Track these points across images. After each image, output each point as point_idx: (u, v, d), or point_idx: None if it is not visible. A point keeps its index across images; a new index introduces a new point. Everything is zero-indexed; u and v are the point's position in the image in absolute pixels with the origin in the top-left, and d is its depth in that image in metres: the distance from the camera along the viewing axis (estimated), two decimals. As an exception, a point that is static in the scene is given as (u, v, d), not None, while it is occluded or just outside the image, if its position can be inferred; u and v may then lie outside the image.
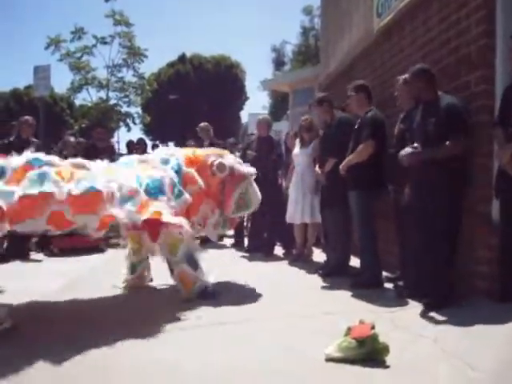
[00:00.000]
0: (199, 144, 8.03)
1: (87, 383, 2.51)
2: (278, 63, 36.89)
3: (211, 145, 7.85)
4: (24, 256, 6.31)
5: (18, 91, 32.42)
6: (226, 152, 4.77)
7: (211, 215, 4.40)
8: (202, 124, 8.13)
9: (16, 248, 6.23)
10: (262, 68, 75.59)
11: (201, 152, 4.63)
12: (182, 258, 3.98)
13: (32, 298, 3.99)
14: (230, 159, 4.55)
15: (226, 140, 8.23)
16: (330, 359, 2.73)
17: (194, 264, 4.04)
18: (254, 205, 4.66)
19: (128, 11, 14.76)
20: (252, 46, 64.75)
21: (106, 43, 14.57)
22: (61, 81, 37.68)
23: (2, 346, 2.93)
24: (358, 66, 6.81)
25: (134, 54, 14.88)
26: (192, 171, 4.24)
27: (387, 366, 2.64)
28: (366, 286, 4.36)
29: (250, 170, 4.59)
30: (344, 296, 4.23)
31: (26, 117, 6.96)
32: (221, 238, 7.93)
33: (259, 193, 4.65)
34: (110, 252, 6.84)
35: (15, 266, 5.95)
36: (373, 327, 2.78)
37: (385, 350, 2.71)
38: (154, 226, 3.85)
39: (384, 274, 4.63)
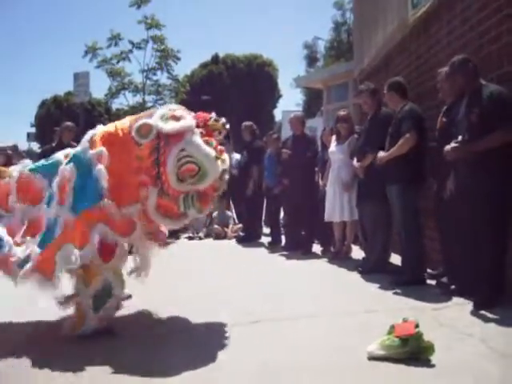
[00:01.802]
0: (237, 144, 8.12)
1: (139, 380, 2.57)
2: (311, 60, 36.67)
3: (251, 144, 7.93)
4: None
5: (59, 98, 33.45)
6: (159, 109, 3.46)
7: (148, 194, 3.22)
8: (246, 123, 8.15)
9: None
10: (295, 65, 75.21)
11: (127, 120, 3.40)
12: (91, 294, 3.13)
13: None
14: (158, 117, 3.23)
15: (267, 134, 8.21)
16: (372, 357, 2.71)
17: (99, 303, 3.15)
18: (209, 168, 3.12)
19: (160, 14, 15.01)
20: (284, 43, 64.67)
21: (140, 48, 14.87)
22: (99, 86, 38.74)
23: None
24: (394, 60, 6.69)
25: (167, 56, 15.12)
26: (100, 151, 3.17)
27: (432, 366, 2.59)
28: (407, 283, 4.28)
29: (188, 122, 3.19)
30: (385, 293, 4.17)
31: (67, 123, 7.20)
32: (258, 236, 7.97)
33: (210, 151, 3.14)
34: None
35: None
36: (417, 325, 2.73)
37: (430, 348, 2.66)
38: None
39: (427, 270, 4.54)
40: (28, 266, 2.99)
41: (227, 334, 3.21)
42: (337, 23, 34.49)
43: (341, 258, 5.86)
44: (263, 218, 8.54)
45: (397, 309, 3.59)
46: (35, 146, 25.66)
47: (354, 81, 9.51)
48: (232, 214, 8.94)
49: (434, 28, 5.28)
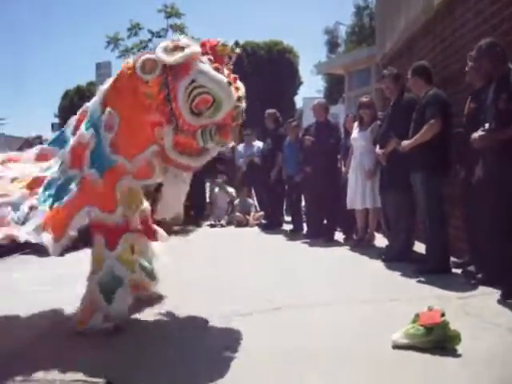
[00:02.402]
0: (259, 131, 8.09)
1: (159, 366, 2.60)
2: (332, 45, 36.18)
3: (275, 132, 7.89)
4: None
5: (82, 88, 33.81)
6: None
7: (164, 133, 3.04)
8: (270, 110, 8.08)
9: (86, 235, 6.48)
10: (316, 51, 74.38)
11: (131, 60, 3.17)
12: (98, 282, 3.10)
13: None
14: (161, 50, 2.96)
15: (287, 121, 8.15)
16: (396, 346, 2.68)
17: (108, 291, 3.07)
18: (223, 96, 2.88)
19: (180, 2, 14.93)
20: (304, 29, 63.57)
21: (160, 37, 14.84)
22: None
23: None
24: (418, 44, 6.53)
25: (187, 44, 15.06)
26: (107, 112, 3.08)
27: (458, 355, 2.55)
28: (432, 272, 4.21)
29: (192, 49, 2.94)
30: (409, 282, 4.12)
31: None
32: (280, 224, 7.96)
33: (222, 77, 2.92)
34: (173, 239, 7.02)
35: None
36: (443, 314, 2.69)
37: (456, 338, 2.62)
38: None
39: (451, 259, 4.46)
40: (35, 223, 2.92)
41: (249, 321, 3.22)
42: (358, 8, 33.86)
43: (363, 246, 5.81)
44: (284, 205, 8.53)
45: (421, 297, 3.54)
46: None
47: (377, 66, 9.35)
48: (253, 201, 8.94)
49: (459, 10, 5.13)
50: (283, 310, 3.43)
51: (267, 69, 32.72)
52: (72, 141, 3.25)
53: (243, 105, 3.10)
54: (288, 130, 7.69)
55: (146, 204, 3.63)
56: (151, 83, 2.94)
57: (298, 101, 35.29)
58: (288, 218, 8.16)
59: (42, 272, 4.93)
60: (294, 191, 7.50)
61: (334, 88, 29.74)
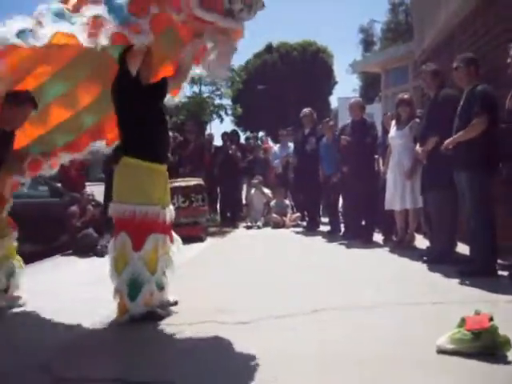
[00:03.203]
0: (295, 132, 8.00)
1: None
2: (367, 44, 35.71)
3: (315, 132, 7.81)
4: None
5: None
6: None
7: None
8: (306, 110, 8.00)
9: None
10: (350, 50, 73.62)
11: None
12: (124, 281, 3.21)
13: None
14: None
15: (323, 121, 8.06)
16: (441, 351, 2.58)
17: (134, 292, 3.20)
18: None
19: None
20: (338, 28, 63.19)
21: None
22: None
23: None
24: (458, 38, 6.34)
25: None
26: None
27: (509, 362, 2.43)
28: (477, 274, 4.06)
29: None
30: (453, 284, 3.98)
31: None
32: (317, 225, 7.88)
33: None
34: (209, 241, 7.08)
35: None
36: (491, 319, 2.57)
37: (506, 343, 2.50)
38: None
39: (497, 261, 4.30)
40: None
41: (288, 322, 3.18)
42: (394, 4, 33.31)
43: (403, 248, 5.68)
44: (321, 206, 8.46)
45: (466, 301, 3.41)
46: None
47: (415, 63, 9.14)
48: (290, 202, 8.90)
49: (501, 2, 4.94)
50: (323, 312, 3.38)
51: (301, 70, 32.62)
52: None
53: None
54: (325, 129, 7.60)
55: (171, 206, 3.62)
56: None
57: (333, 101, 35.02)
58: (325, 220, 8.08)
59: (83, 272, 5.06)
60: (332, 192, 7.41)
61: (370, 87, 29.35)
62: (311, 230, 7.71)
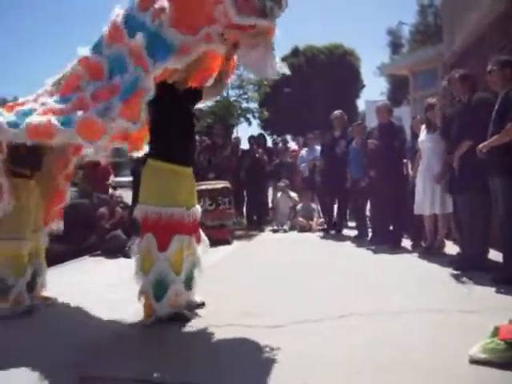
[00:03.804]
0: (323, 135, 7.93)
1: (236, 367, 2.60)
2: (395, 46, 35.30)
3: (343, 134, 7.75)
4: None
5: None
6: None
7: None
8: (337, 112, 7.93)
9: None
10: (378, 53, 72.81)
11: None
12: (150, 282, 3.29)
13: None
14: None
15: (353, 124, 7.97)
16: (474, 361, 2.52)
17: (160, 293, 3.28)
18: None
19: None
20: (366, 30, 62.65)
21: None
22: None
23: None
24: (489, 40, 6.20)
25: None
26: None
27: (545, 374, 2.35)
28: (511, 282, 3.94)
29: None
30: (486, 292, 3.88)
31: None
32: (340, 229, 7.80)
33: None
34: (236, 244, 7.09)
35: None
36: (526, 328, 2.50)
37: (541, 354, 2.42)
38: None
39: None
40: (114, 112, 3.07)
41: (317, 327, 3.16)
42: (423, 6, 32.86)
43: (432, 254, 5.57)
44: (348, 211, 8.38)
45: (499, 309, 3.32)
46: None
47: (444, 65, 8.98)
48: (316, 206, 8.84)
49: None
50: (351, 317, 3.35)
51: (328, 73, 32.44)
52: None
53: None
54: (355, 132, 7.52)
55: (198, 206, 3.66)
56: None
57: (361, 104, 34.72)
58: (352, 224, 7.99)
59: (111, 273, 5.13)
60: (359, 196, 7.33)
61: (398, 90, 28.99)
62: (338, 234, 7.64)
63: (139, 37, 3.10)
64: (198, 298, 3.68)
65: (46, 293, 4.04)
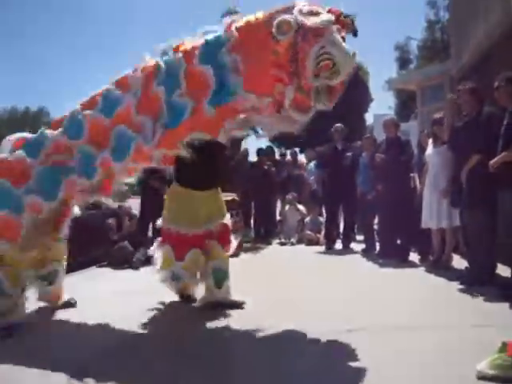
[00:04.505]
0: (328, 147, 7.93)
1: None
2: (403, 61, 35.40)
3: (343, 150, 7.75)
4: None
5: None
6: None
7: (286, 91, 3.15)
8: (338, 125, 7.95)
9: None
10: (386, 68, 73.04)
11: (260, 15, 3.30)
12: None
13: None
14: (298, 12, 3.08)
15: (363, 137, 7.97)
16: (482, 377, 2.50)
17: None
18: (345, 67, 3.01)
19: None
20: (374, 45, 62.71)
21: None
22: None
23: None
24: (497, 55, 6.23)
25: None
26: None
27: (553, 390, 2.33)
28: (519, 297, 3.91)
29: (328, 16, 3.06)
30: (494, 307, 3.85)
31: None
32: (348, 244, 7.75)
33: (348, 49, 3.01)
34: (243, 256, 7.08)
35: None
36: (534, 344, 2.48)
37: (550, 370, 2.40)
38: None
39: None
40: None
41: (324, 341, 3.15)
42: (430, 22, 32.97)
43: (440, 268, 5.53)
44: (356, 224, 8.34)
45: (507, 325, 3.30)
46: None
47: (451, 80, 9.01)
48: (324, 219, 8.81)
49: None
50: (359, 332, 3.33)
51: (336, 86, 32.54)
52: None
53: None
54: (365, 145, 7.53)
55: (228, 215, 4.22)
56: (282, 42, 3.03)
57: (369, 118, 34.74)
58: (360, 237, 7.97)
59: (117, 284, 5.15)
60: (367, 209, 7.32)
61: (406, 104, 29.00)
62: (346, 247, 7.62)
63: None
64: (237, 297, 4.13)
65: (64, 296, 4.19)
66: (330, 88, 3.09)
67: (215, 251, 4.02)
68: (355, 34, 3.20)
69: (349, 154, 7.65)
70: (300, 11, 3.04)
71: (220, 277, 4.05)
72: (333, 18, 3.02)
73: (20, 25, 62.43)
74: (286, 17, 3.03)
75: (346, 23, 3.11)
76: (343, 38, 3.01)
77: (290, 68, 3.06)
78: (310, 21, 2.98)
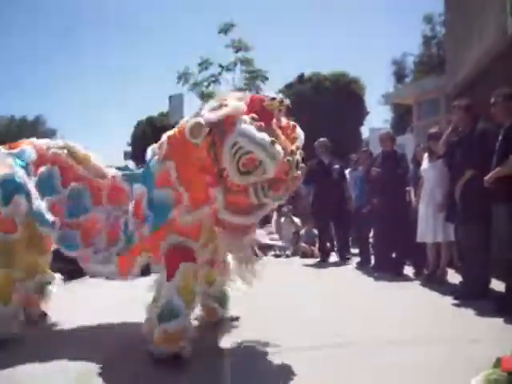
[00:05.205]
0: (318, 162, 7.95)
1: None
2: (399, 76, 35.71)
3: (330, 164, 7.76)
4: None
5: (153, 118, 35.46)
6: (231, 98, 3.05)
7: (215, 198, 2.98)
8: (321, 139, 7.87)
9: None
10: (382, 82, 73.61)
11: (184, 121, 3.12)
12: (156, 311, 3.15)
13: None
14: (207, 110, 2.95)
15: (347, 156, 8.04)
16: (476, 392, 2.49)
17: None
18: (266, 158, 2.77)
19: (247, 37, 15.53)
20: (371, 59, 63.33)
21: (229, 70, 15.45)
22: (192, 107, 40.31)
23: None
24: (493, 72, 6.31)
25: (256, 77, 15.55)
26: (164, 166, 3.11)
27: (547, 405, 2.33)
28: (514, 312, 3.92)
29: (232, 106, 2.90)
30: (488, 322, 3.85)
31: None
32: (347, 258, 7.75)
33: (264, 138, 2.77)
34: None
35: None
36: (528, 359, 2.48)
37: (544, 386, 2.40)
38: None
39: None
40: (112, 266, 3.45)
41: (314, 355, 3.14)
42: (426, 37, 33.35)
43: (434, 282, 5.55)
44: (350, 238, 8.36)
45: (502, 339, 3.28)
46: (131, 164, 27.28)
47: (447, 96, 9.11)
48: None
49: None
50: (351, 346, 3.32)
51: (333, 100, 32.74)
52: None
53: (298, 156, 3.00)
54: (362, 159, 7.57)
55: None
56: (201, 146, 2.91)
57: (365, 131, 34.93)
58: (355, 251, 7.98)
59: (112, 293, 5.13)
60: (362, 223, 7.34)
61: (402, 118, 29.20)
62: (341, 260, 7.63)
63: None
64: (233, 312, 4.00)
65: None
66: (270, 181, 2.86)
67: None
68: (288, 111, 3.11)
69: (336, 166, 7.69)
70: (211, 108, 2.93)
71: (224, 295, 3.97)
72: (239, 108, 2.88)
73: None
74: (195, 119, 2.90)
75: (273, 107, 2.95)
76: (261, 127, 2.81)
77: (214, 170, 2.92)
78: (217, 114, 2.84)
